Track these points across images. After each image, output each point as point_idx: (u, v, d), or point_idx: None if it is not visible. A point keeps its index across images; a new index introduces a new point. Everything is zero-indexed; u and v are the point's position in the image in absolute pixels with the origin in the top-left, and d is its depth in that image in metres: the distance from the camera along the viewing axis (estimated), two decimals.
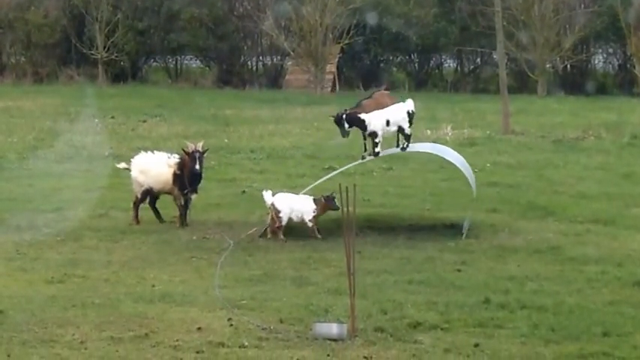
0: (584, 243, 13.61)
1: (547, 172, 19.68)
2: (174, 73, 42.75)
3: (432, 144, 15.58)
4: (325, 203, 13.99)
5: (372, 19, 37.82)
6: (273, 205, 13.77)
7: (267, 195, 13.83)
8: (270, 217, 13.88)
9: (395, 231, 14.36)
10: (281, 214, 13.72)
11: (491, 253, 13.00)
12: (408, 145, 14.16)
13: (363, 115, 13.97)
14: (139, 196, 14.75)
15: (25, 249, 13.08)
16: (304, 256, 12.75)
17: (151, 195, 14.79)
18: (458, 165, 14.71)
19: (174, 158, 14.70)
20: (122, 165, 15.26)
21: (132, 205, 14.79)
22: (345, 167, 15.46)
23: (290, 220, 13.80)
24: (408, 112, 13.98)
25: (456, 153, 15.46)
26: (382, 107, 14.25)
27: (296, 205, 13.87)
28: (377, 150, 14.09)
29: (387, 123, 13.92)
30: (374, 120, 13.93)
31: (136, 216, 14.67)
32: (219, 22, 40.86)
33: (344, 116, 14.04)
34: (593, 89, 37.42)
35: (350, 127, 14.04)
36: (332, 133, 14.11)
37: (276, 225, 13.77)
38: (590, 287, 11.34)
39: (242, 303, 10.61)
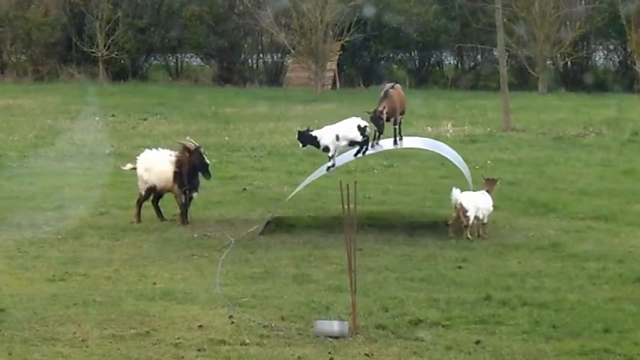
0: (585, 240, 13.61)
1: (548, 168, 19.68)
2: (174, 71, 42.75)
3: (424, 139, 15.47)
4: (493, 184, 14.12)
5: (369, 11, 37.78)
6: (461, 204, 13.58)
7: (457, 193, 13.61)
8: (456, 215, 13.69)
9: (396, 228, 14.36)
10: (468, 214, 13.53)
11: (492, 250, 13.01)
12: (366, 151, 13.98)
13: (315, 132, 14.01)
14: (143, 193, 14.75)
15: (26, 247, 13.09)
16: (305, 254, 12.76)
17: (154, 193, 14.79)
18: (451, 158, 14.77)
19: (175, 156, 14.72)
20: (128, 166, 15.25)
21: (135, 202, 14.79)
22: (308, 181, 15.30)
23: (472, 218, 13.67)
24: (359, 127, 13.89)
25: (448, 147, 15.46)
26: (402, 100, 14.31)
27: (481, 204, 13.75)
28: (329, 164, 14.08)
29: (337, 138, 13.91)
30: (325, 135, 13.95)
31: (138, 214, 14.68)
32: (220, 20, 40.85)
33: (298, 134, 14.16)
34: (593, 84, 37.40)
35: (304, 145, 14.13)
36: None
37: (463, 224, 13.60)
38: (591, 284, 11.35)
39: (243, 300, 10.62)
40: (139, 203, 14.75)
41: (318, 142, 14.01)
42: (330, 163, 14.13)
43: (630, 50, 37.79)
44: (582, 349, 9.15)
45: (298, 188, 15.16)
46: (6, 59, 42.44)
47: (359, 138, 13.88)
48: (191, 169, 14.53)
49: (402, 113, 14.48)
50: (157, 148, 15.18)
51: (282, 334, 9.54)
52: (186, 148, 14.60)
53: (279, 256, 12.68)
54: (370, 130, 13.99)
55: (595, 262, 12.33)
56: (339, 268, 11.74)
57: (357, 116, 14.09)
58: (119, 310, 10.27)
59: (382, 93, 14.28)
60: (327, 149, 14.03)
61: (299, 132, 14.25)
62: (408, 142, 14.87)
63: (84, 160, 20.50)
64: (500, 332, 9.62)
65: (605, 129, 24.79)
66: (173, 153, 14.86)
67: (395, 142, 14.40)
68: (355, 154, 14.13)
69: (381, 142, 14.23)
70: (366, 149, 14.03)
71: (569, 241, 13.51)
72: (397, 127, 14.30)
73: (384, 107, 13.92)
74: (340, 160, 14.39)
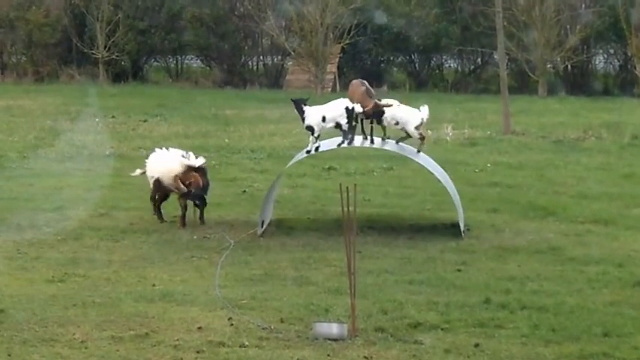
0: (584, 243, 13.60)
1: (548, 172, 19.68)
2: (175, 73, 42.76)
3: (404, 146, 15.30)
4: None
5: (380, 18, 37.92)
6: None
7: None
8: None
9: (395, 231, 14.36)
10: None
11: (491, 253, 13.00)
12: (344, 142, 13.83)
13: (305, 108, 13.88)
14: (151, 186, 14.72)
15: (25, 248, 13.08)
16: (305, 256, 12.75)
17: (160, 189, 14.64)
18: (430, 169, 14.64)
19: (191, 158, 14.67)
20: (137, 172, 15.21)
21: (150, 199, 14.75)
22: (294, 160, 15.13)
23: None
24: (347, 109, 13.75)
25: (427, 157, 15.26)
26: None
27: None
28: (310, 147, 13.91)
29: (323, 119, 13.81)
30: (311, 115, 13.83)
31: (155, 207, 14.58)
32: (220, 22, 40.87)
33: (292, 101, 14.05)
34: (599, 90, 37.48)
35: (296, 110, 13.99)
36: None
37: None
38: (591, 288, 11.34)
39: (242, 302, 10.62)
40: (152, 199, 14.69)
41: (304, 119, 13.90)
42: (311, 147, 13.90)
43: (630, 54, 37.81)
44: (581, 352, 9.15)
45: (292, 162, 15.00)
46: (6, 60, 42.46)
47: (344, 120, 13.71)
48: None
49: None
50: (167, 148, 15.19)
51: (281, 337, 9.54)
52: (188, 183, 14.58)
53: (278, 258, 12.68)
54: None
55: (594, 265, 12.33)
56: (339, 271, 11.74)
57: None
58: (118, 311, 10.27)
59: (364, 90, 14.10)
60: (310, 129, 13.91)
61: (293, 100, 14.08)
62: (378, 143, 14.37)
63: (84, 162, 20.50)
64: (499, 336, 9.62)
65: (605, 133, 24.79)
66: (187, 153, 14.83)
67: (369, 140, 14.08)
68: (339, 144, 13.95)
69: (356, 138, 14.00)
70: (352, 139, 13.82)
71: (569, 244, 13.51)
72: (372, 125, 14.08)
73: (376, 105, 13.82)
74: (324, 146, 14.21)
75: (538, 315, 10.20)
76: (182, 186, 14.41)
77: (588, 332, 9.68)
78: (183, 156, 14.69)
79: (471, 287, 11.28)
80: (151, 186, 14.81)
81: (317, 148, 14.02)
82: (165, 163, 14.72)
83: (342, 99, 13.94)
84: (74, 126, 25.71)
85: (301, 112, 13.93)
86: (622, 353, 9.13)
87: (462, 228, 13.98)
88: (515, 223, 14.89)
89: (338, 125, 13.80)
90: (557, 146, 23.21)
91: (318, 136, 13.91)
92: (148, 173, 14.89)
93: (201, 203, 14.61)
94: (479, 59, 41.49)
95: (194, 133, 24.67)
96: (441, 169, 15.05)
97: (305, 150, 14.21)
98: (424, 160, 14.71)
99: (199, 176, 14.48)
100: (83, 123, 26.09)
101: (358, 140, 14.08)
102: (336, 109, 13.77)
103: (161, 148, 15.17)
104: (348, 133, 13.79)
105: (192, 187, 14.37)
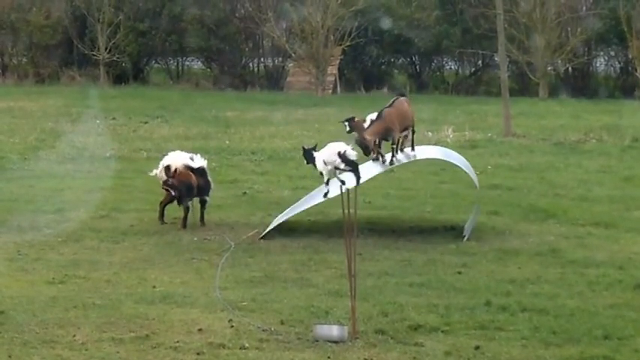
0: (585, 246, 13.60)
1: (548, 174, 19.69)
2: (175, 75, 42.80)
3: (439, 148, 15.31)
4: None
5: (384, 23, 38.05)
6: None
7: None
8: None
9: (396, 233, 14.36)
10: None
11: (492, 255, 13.00)
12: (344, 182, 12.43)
13: (315, 154, 12.85)
14: (159, 170, 14.67)
15: (26, 250, 13.08)
16: (305, 258, 12.75)
17: (168, 172, 14.57)
18: (462, 166, 14.75)
19: (196, 159, 14.71)
20: (153, 172, 15.17)
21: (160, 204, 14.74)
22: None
23: None
24: (339, 153, 12.43)
25: (457, 154, 15.43)
26: (403, 115, 13.72)
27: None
28: (325, 190, 13.22)
29: (325, 163, 13.27)
30: (317, 160, 12.78)
31: (167, 181, 14.51)
32: (221, 24, 40.91)
33: (302, 150, 13.40)
34: (594, 90, 37.51)
35: (307, 163, 13.04)
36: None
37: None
38: (591, 290, 11.34)
39: (243, 304, 10.62)
40: (164, 184, 14.62)
41: (315, 165, 13.00)
42: (325, 189, 13.25)
43: (631, 57, 37.85)
44: (582, 355, 9.14)
45: (293, 212, 14.49)
46: (7, 61, 42.51)
47: (341, 165, 12.96)
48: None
49: (407, 128, 13.87)
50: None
51: (281, 339, 9.54)
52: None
53: (279, 260, 12.68)
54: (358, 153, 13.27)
55: (595, 268, 12.32)
56: (339, 273, 11.74)
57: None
58: (118, 313, 10.27)
59: (379, 112, 13.73)
60: (321, 174, 13.09)
61: (303, 149, 13.29)
62: (404, 157, 14.24)
63: (84, 163, 20.51)
64: (499, 338, 9.62)
65: (605, 135, 24.81)
66: (195, 155, 14.88)
67: (391, 162, 13.89)
68: (357, 183, 13.50)
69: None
70: (383, 159, 13.63)
71: (569, 247, 13.51)
72: (395, 146, 13.77)
73: (370, 133, 13.40)
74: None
75: (538, 317, 10.19)
76: (164, 175, 14.44)
77: (589, 335, 9.67)
78: (191, 158, 14.76)
79: (472, 290, 11.28)
80: (159, 171, 14.81)
81: (325, 194, 13.35)
82: (178, 154, 14.79)
83: (333, 143, 12.65)
84: (75, 128, 25.73)
85: (313, 160, 13.22)
86: (622, 356, 9.13)
87: (472, 224, 14.08)
88: (515, 225, 14.89)
89: (337, 169, 13.04)
90: (557, 149, 23.22)
91: (328, 180, 13.34)
92: (161, 165, 14.87)
93: (181, 202, 14.49)
94: (480, 61, 41.55)
95: (195, 135, 24.68)
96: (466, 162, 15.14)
97: (322, 194, 13.51)
98: (446, 154, 14.83)
99: (192, 176, 14.48)
100: (84, 125, 26.12)
101: (377, 166, 13.89)
102: (330, 155, 12.49)
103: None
104: (357, 172, 13.12)
105: (175, 180, 14.36)
